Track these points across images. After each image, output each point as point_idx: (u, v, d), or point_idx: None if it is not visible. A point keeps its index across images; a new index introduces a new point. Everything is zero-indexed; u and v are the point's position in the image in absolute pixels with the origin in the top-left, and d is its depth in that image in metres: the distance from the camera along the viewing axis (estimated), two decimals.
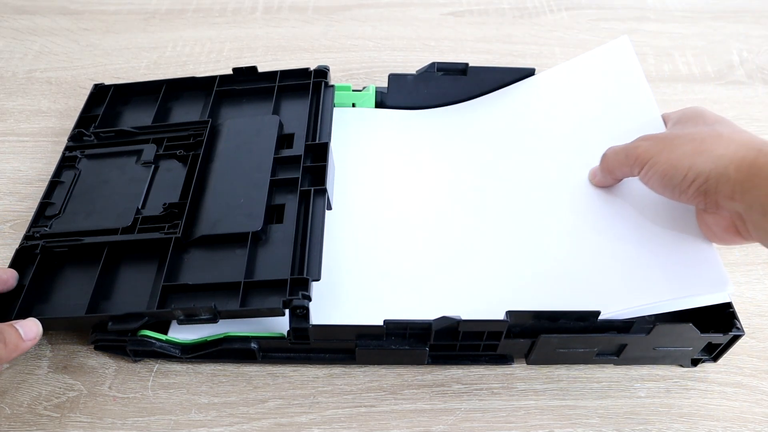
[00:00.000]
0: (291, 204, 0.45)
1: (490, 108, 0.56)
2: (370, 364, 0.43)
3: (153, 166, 0.49)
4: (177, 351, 0.42)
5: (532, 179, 0.50)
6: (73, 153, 0.51)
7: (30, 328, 0.39)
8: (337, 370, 0.43)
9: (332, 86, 0.55)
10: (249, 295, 0.40)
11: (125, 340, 0.41)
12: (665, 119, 0.44)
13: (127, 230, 0.45)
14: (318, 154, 0.48)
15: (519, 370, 0.43)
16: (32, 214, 0.47)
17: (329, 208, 0.47)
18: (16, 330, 0.38)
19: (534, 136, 0.52)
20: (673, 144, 0.38)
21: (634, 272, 0.41)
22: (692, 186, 0.36)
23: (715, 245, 0.39)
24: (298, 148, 0.48)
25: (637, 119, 0.46)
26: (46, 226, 0.46)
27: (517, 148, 0.52)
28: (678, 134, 0.39)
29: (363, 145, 0.54)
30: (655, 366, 0.44)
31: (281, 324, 0.41)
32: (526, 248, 0.47)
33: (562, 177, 0.49)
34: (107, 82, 0.57)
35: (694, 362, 0.43)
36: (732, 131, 0.37)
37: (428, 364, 0.43)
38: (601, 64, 0.51)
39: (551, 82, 0.54)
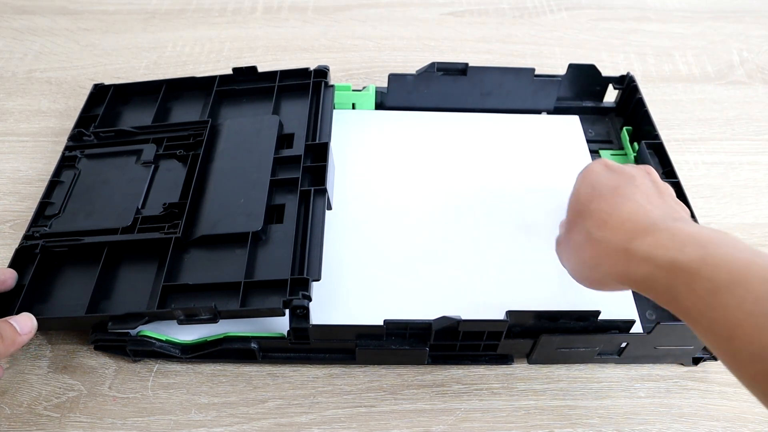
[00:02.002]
0: (291, 204, 0.44)
1: (489, 120, 0.57)
2: (370, 364, 0.43)
3: (153, 166, 0.49)
4: (177, 351, 0.42)
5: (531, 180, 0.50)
6: (73, 153, 0.51)
7: (24, 322, 0.39)
8: (337, 370, 0.43)
9: (332, 86, 0.55)
10: (249, 295, 0.39)
11: (125, 340, 0.41)
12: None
13: (127, 230, 0.45)
14: (318, 154, 0.48)
15: (519, 370, 0.43)
16: (32, 214, 0.47)
17: (329, 208, 0.47)
18: (11, 325, 0.38)
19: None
20: (565, 252, 0.40)
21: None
22: (598, 288, 0.37)
23: None
24: (298, 148, 0.48)
25: None
26: (46, 226, 0.46)
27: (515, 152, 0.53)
28: (566, 243, 0.40)
29: (363, 146, 0.54)
30: (655, 366, 0.44)
31: (281, 324, 0.41)
32: (526, 248, 0.47)
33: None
34: (107, 82, 0.57)
35: (696, 361, 0.43)
36: (600, 236, 0.35)
37: (428, 364, 0.43)
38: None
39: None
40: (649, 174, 0.39)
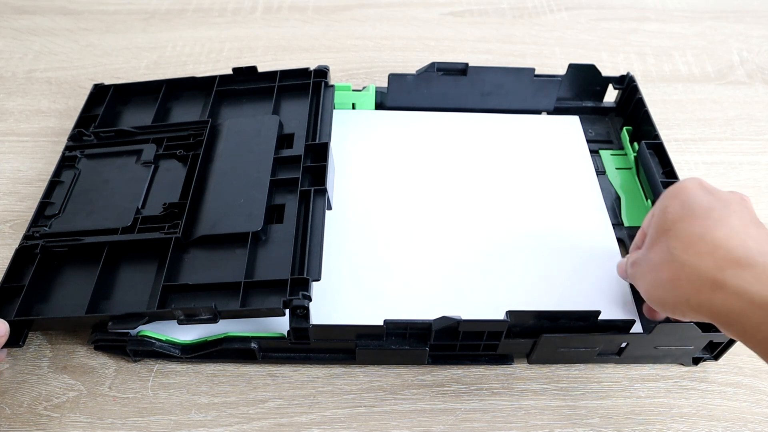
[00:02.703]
0: (291, 204, 0.44)
1: (489, 120, 0.57)
2: (370, 364, 0.43)
3: (153, 165, 0.49)
4: (177, 351, 0.42)
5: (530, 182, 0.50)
6: (73, 153, 0.51)
7: None
8: (337, 370, 0.43)
9: (332, 86, 0.55)
10: (249, 295, 0.39)
11: (125, 340, 0.41)
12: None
13: (127, 230, 0.45)
14: (318, 154, 0.48)
15: (519, 370, 0.43)
16: (32, 214, 0.47)
17: (329, 208, 0.47)
18: None
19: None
20: (640, 270, 0.38)
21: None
22: (670, 312, 0.36)
23: None
24: (298, 148, 0.48)
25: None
26: (46, 226, 0.46)
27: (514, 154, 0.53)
28: (644, 261, 0.38)
29: (363, 146, 0.54)
30: (655, 366, 0.44)
31: (281, 324, 0.41)
32: (527, 248, 0.47)
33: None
34: (107, 82, 0.57)
35: (696, 361, 0.43)
36: (685, 259, 0.34)
37: (428, 364, 0.43)
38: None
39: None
40: (743, 201, 0.37)
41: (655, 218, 0.38)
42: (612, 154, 0.55)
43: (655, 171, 0.49)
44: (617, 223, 0.50)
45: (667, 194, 0.38)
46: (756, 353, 0.31)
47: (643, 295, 0.38)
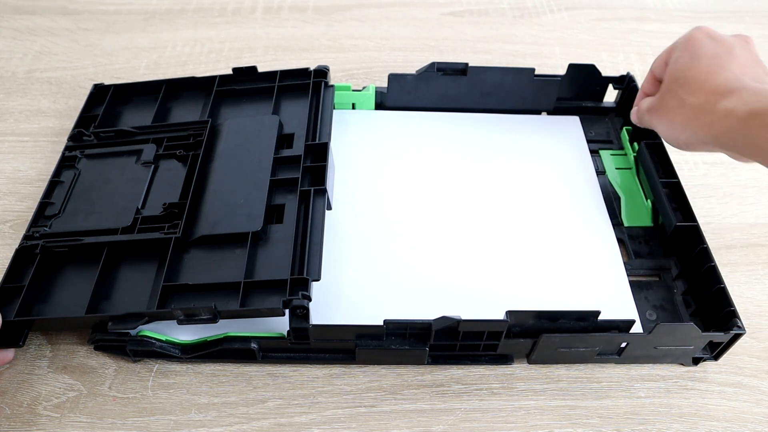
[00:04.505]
0: (291, 204, 0.44)
1: (489, 120, 0.57)
2: (370, 364, 0.43)
3: (153, 166, 0.49)
4: (177, 351, 0.42)
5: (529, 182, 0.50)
6: (73, 153, 0.51)
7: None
8: (337, 370, 0.43)
9: (332, 86, 0.55)
10: (249, 295, 0.39)
11: (125, 340, 0.41)
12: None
13: (127, 230, 0.45)
14: (318, 154, 0.48)
15: (519, 370, 0.43)
16: (32, 214, 0.47)
17: (329, 208, 0.47)
18: None
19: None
20: (657, 115, 0.44)
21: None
22: (685, 148, 0.43)
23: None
24: (298, 148, 0.48)
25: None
26: (46, 226, 0.46)
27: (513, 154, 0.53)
28: (660, 108, 0.44)
29: (363, 146, 0.54)
30: (655, 366, 0.44)
31: (281, 324, 0.41)
32: (526, 248, 0.47)
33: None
34: (107, 82, 0.57)
35: (695, 361, 0.43)
36: (692, 102, 0.40)
37: (428, 364, 0.43)
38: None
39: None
40: (747, 43, 0.42)
41: (669, 68, 0.44)
42: (612, 154, 0.55)
43: (655, 171, 0.49)
44: (617, 223, 0.50)
45: (678, 46, 0.44)
46: (758, 161, 0.37)
47: (661, 135, 0.45)
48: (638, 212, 0.51)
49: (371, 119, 0.56)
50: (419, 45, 0.70)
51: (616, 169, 0.54)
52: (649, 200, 0.51)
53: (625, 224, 0.50)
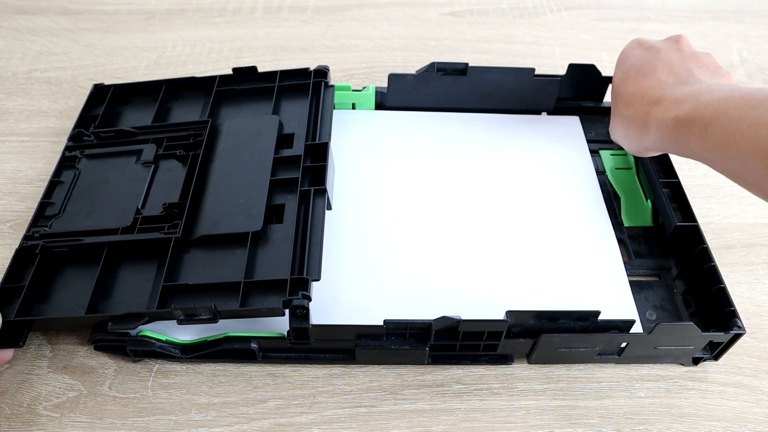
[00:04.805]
0: (291, 204, 0.44)
1: (489, 120, 0.57)
2: (370, 364, 0.43)
3: (153, 166, 0.49)
4: (177, 351, 0.42)
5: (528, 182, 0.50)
6: (73, 153, 0.51)
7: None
8: (337, 370, 0.43)
9: (332, 86, 0.55)
10: (249, 295, 0.39)
11: (125, 340, 0.41)
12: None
13: (127, 230, 0.45)
14: (318, 154, 0.48)
15: (519, 370, 0.43)
16: (32, 214, 0.47)
17: (329, 208, 0.47)
18: None
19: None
20: (612, 132, 0.47)
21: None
22: (636, 154, 0.46)
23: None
24: (298, 148, 0.48)
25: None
26: (46, 226, 0.46)
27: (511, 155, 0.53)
28: (611, 122, 0.47)
29: (363, 146, 0.54)
30: (655, 366, 0.44)
31: (281, 324, 0.41)
32: (527, 248, 0.47)
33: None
34: (107, 82, 0.57)
35: (695, 361, 0.43)
36: (628, 114, 0.43)
37: (428, 364, 0.43)
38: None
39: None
40: (677, 43, 0.44)
41: (612, 88, 0.47)
42: (612, 154, 0.55)
43: (655, 171, 0.49)
44: (617, 223, 0.50)
45: (616, 64, 0.47)
46: (700, 160, 0.38)
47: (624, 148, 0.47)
48: (638, 212, 0.51)
49: (371, 119, 0.56)
50: (419, 45, 0.70)
51: (616, 169, 0.54)
52: (649, 200, 0.51)
53: (625, 224, 0.50)
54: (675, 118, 0.38)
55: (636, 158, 0.53)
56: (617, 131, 0.46)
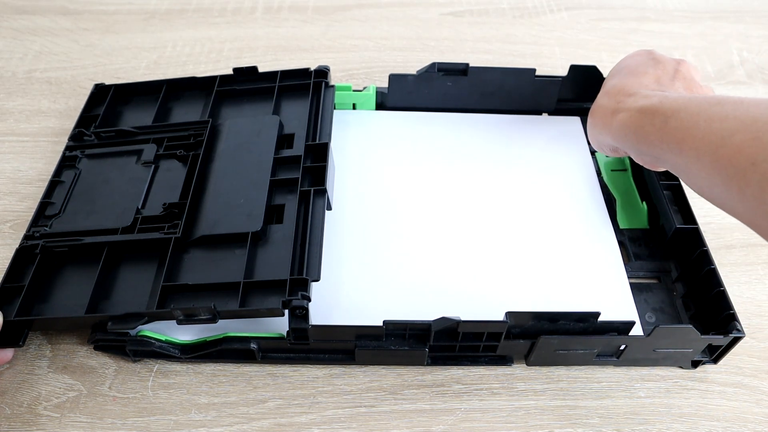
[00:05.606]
0: (291, 204, 0.44)
1: (489, 120, 0.57)
2: (369, 364, 0.43)
3: (153, 166, 0.49)
4: (177, 351, 0.42)
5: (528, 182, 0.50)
6: (74, 153, 0.51)
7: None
8: (337, 370, 0.43)
9: (332, 86, 0.55)
10: (249, 295, 0.39)
11: (125, 340, 0.41)
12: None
13: (127, 230, 0.45)
14: (318, 154, 0.48)
15: (519, 370, 0.43)
16: (32, 214, 0.47)
17: (329, 208, 0.47)
18: None
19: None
20: (589, 118, 0.46)
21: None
22: (607, 151, 0.46)
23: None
24: (298, 149, 0.48)
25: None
26: (46, 226, 0.46)
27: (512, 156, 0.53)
28: (591, 111, 0.46)
29: (363, 147, 0.54)
30: (655, 367, 0.44)
31: (281, 324, 0.41)
32: (527, 249, 0.47)
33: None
34: (107, 82, 0.57)
35: (694, 364, 0.43)
36: (603, 103, 0.44)
37: (428, 365, 0.43)
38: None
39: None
40: (678, 65, 0.44)
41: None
42: (608, 156, 0.55)
43: (655, 173, 0.49)
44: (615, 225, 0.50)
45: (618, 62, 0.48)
46: (661, 161, 0.39)
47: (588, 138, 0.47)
48: (633, 214, 0.51)
49: (372, 119, 0.56)
50: (419, 45, 0.70)
51: (612, 171, 0.54)
52: (644, 202, 0.50)
53: (620, 226, 0.50)
54: (640, 107, 0.39)
55: (631, 160, 0.53)
56: (589, 120, 0.46)
